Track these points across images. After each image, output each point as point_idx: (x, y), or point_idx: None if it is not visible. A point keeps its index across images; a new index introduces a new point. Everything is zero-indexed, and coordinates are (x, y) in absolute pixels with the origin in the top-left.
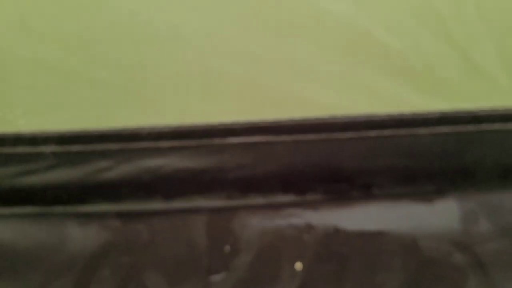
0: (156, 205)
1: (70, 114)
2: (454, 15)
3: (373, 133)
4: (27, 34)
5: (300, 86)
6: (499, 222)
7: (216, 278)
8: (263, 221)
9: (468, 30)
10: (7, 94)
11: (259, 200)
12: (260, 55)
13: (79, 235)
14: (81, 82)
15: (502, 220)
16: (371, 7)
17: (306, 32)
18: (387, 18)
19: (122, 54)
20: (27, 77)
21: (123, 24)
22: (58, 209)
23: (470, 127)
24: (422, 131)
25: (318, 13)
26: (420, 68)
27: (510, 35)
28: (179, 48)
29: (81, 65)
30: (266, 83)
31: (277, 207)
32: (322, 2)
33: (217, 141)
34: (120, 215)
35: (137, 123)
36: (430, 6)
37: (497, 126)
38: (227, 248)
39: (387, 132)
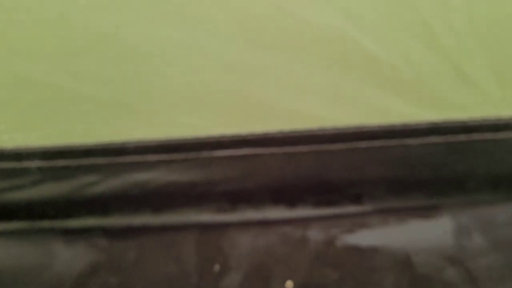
0: (145, 219)
1: (55, 129)
2: (444, 26)
3: (363, 144)
4: (8, 49)
5: (289, 98)
6: (492, 237)
7: None
8: (253, 238)
9: (459, 41)
10: None
11: (249, 213)
12: (248, 68)
13: (66, 255)
14: (66, 96)
15: (495, 235)
16: (360, 19)
17: (294, 44)
18: (376, 29)
19: (107, 68)
20: (9, 92)
21: (109, 40)
22: (44, 224)
23: (461, 137)
24: (412, 141)
25: (306, 26)
26: (410, 79)
27: (501, 46)
28: (166, 62)
29: (65, 80)
30: (254, 96)
31: (268, 223)
32: (310, 15)
33: (205, 154)
34: (107, 232)
35: (123, 137)
36: (420, 18)
37: (487, 136)
38: (217, 267)
39: (377, 143)
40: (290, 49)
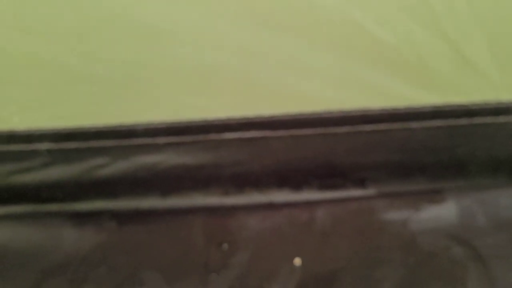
0: (153, 202)
1: (65, 111)
2: (446, 10)
3: (367, 127)
4: (21, 30)
5: (295, 81)
6: (495, 217)
7: (214, 275)
8: (260, 220)
9: (460, 25)
10: (1, 91)
11: (255, 196)
12: (255, 51)
13: (74, 236)
14: (76, 78)
15: (497, 216)
16: (365, 2)
17: (300, 27)
18: (380, 13)
19: (117, 50)
20: (21, 73)
21: (119, 20)
22: (53, 207)
23: (463, 121)
24: (416, 125)
25: (312, 8)
26: (413, 63)
27: (501, 30)
28: (175, 44)
29: (76, 61)
30: (262, 78)
31: (274, 206)
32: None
33: (213, 136)
34: (116, 215)
35: (133, 119)
36: (422, 2)
37: (489, 119)
38: (225, 246)
39: (381, 126)
40: (296, 32)
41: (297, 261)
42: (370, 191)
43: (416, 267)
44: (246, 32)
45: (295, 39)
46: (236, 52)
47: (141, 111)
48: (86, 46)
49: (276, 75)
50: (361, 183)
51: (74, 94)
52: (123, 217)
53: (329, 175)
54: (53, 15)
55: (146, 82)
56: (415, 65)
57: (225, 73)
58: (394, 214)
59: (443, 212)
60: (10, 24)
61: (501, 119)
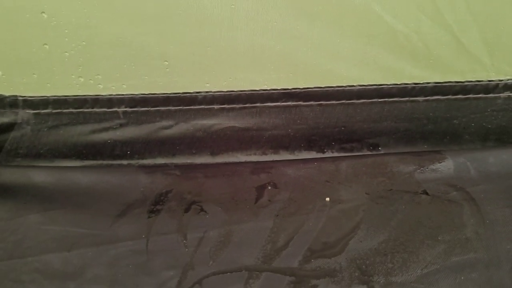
0: (205, 159)
1: (141, 81)
2: (449, 7)
3: (381, 100)
4: (111, 14)
5: (325, 61)
6: (484, 171)
7: (262, 206)
8: (295, 171)
9: (459, 20)
10: (91, 64)
11: (288, 155)
12: (294, 35)
13: (147, 180)
14: (151, 55)
15: (486, 169)
16: None
17: (331, 17)
18: (396, 6)
19: (186, 33)
20: (107, 49)
21: (188, 8)
22: (124, 162)
23: (459, 96)
24: (420, 98)
25: (341, 2)
26: (420, 48)
27: (492, 22)
28: (232, 28)
29: (153, 41)
30: (298, 58)
31: (305, 161)
32: None
33: (258, 104)
34: (177, 166)
35: (195, 89)
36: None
37: (481, 95)
38: (269, 188)
39: (391, 99)
40: (327, 21)
41: (327, 199)
42: (382, 152)
43: (421, 203)
44: (288, 20)
45: (327, 27)
46: (279, 36)
47: (202, 82)
48: (161, 28)
49: (310, 56)
50: (375, 147)
51: (148, 68)
52: (184, 168)
53: (348, 140)
54: (136, 1)
55: (207, 59)
56: (422, 50)
57: (270, 53)
58: (403, 167)
59: (442, 167)
60: (104, 9)
61: (491, 95)
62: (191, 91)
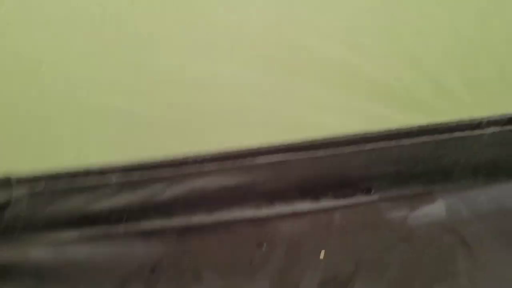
0: (201, 218)
1: (131, 147)
2: (424, 51)
3: (368, 146)
4: (99, 86)
5: (310, 115)
6: (476, 211)
7: (258, 270)
8: (290, 225)
9: (437, 64)
10: (82, 136)
11: (283, 207)
12: (277, 93)
13: (143, 249)
14: (141, 122)
15: (477, 209)
16: (359, 49)
17: (312, 72)
18: (373, 56)
19: (175, 99)
20: (95, 120)
21: (172, 75)
22: (121, 228)
23: (445, 136)
24: (406, 142)
25: (319, 57)
26: (402, 94)
27: (468, 63)
28: (217, 90)
29: (141, 109)
30: (283, 113)
31: (299, 214)
32: (322, 49)
33: (247, 161)
34: (174, 229)
35: (185, 151)
36: (405, 45)
37: (466, 133)
38: (265, 246)
39: (379, 145)
40: (309, 77)
41: (322, 254)
42: (375, 196)
43: (415, 252)
44: (270, 79)
45: (308, 82)
46: (263, 94)
47: (191, 145)
48: (150, 96)
49: (295, 110)
50: (367, 191)
51: (138, 134)
52: (180, 231)
53: (341, 186)
54: (125, 72)
55: (195, 122)
56: (404, 96)
57: (255, 111)
58: (395, 213)
59: (434, 209)
60: (91, 81)
61: (476, 132)
62: (182, 154)
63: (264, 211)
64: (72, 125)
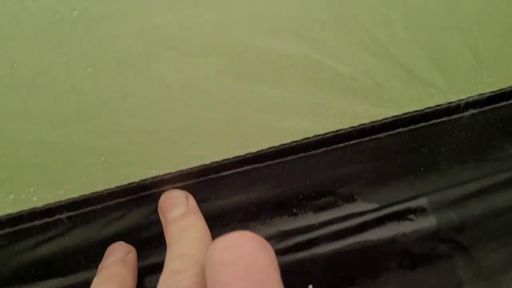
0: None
1: (79, 183)
2: (389, 38)
3: (342, 144)
4: (28, 120)
5: (274, 119)
6: (469, 216)
7: None
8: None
9: (405, 49)
10: (19, 177)
11: (258, 227)
12: (235, 100)
13: None
14: (84, 153)
15: (470, 214)
16: (321, 45)
17: (272, 74)
18: (335, 51)
19: (118, 123)
20: (34, 157)
21: (115, 97)
22: (82, 278)
23: (422, 124)
24: (382, 135)
25: (280, 58)
26: (371, 86)
27: (438, 46)
28: (167, 105)
29: (83, 138)
30: (245, 122)
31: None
32: (277, 47)
33: (212, 176)
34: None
35: (140, 177)
36: (369, 35)
37: (444, 118)
38: None
39: (353, 141)
40: (268, 78)
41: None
42: (359, 206)
43: (411, 267)
44: (228, 86)
45: (269, 85)
46: (222, 104)
47: (146, 168)
48: (89, 124)
49: (258, 117)
50: (350, 197)
51: (85, 166)
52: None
53: (319, 194)
54: (56, 101)
55: (147, 144)
56: (374, 88)
57: (213, 124)
58: (384, 233)
59: (424, 223)
60: (19, 115)
61: (454, 116)
62: (137, 180)
63: (231, 229)
64: (4, 168)
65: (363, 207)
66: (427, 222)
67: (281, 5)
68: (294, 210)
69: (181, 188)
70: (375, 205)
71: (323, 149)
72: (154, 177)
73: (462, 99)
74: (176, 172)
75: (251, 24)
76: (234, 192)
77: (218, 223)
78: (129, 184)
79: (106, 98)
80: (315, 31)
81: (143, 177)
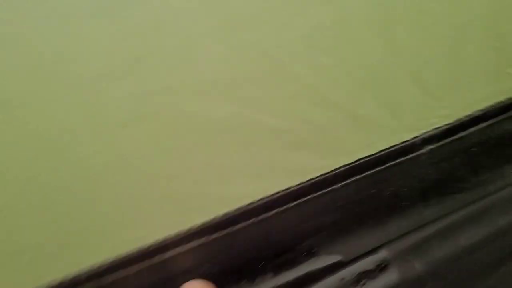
0: None
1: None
2: (326, 83)
3: (293, 203)
4: None
5: (217, 185)
6: (431, 261)
7: None
8: None
9: (346, 93)
10: None
11: None
12: (171, 171)
13: None
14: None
15: (432, 258)
16: (254, 102)
17: (207, 140)
18: (270, 106)
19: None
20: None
21: (32, 191)
22: None
23: (378, 168)
24: (336, 186)
25: (210, 121)
26: (315, 137)
27: (381, 84)
28: (92, 189)
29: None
30: (186, 192)
31: None
32: (211, 112)
33: (158, 258)
34: None
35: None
36: (305, 84)
37: (400, 159)
38: None
39: (305, 198)
40: (208, 145)
41: None
42: (321, 260)
43: None
44: (162, 155)
45: (209, 150)
46: (157, 177)
47: (84, 259)
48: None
49: (198, 186)
50: (309, 252)
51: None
52: None
53: (278, 254)
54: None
55: (74, 235)
56: (318, 139)
57: (154, 199)
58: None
59: (385, 277)
60: None
61: (411, 155)
62: (80, 272)
63: None
64: None
65: (324, 260)
66: (388, 276)
67: (205, 68)
68: (252, 275)
69: (135, 274)
70: (338, 257)
71: (275, 210)
72: (99, 267)
73: (417, 136)
74: (123, 255)
75: (175, 90)
76: (184, 271)
77: None
78: (72, 276)
79: (23, 193)
80: (244, 88)
81: (86, 266)
